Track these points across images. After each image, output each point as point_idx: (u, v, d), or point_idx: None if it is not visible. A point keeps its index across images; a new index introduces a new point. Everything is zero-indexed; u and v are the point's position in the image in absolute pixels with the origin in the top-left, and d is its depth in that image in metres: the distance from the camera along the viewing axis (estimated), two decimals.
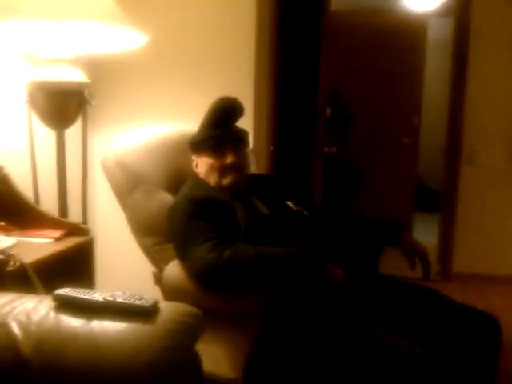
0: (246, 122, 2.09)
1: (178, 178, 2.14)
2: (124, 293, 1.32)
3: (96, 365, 1.18)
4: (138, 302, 1.28)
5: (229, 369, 1.75)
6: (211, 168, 2.01)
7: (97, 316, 1.27)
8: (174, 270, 1.84)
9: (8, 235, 1.93)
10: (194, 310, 1.35)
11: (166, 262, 1.89)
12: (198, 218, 1.81)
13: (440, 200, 4.68)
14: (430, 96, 5.69)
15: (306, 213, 2.05)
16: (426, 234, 4.80)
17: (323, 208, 2.34)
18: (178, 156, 2.20)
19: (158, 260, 2.01)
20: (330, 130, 3.95)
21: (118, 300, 1.28)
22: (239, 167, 2.03)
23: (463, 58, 4.10)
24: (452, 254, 4.34)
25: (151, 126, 2.29)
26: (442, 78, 5.19)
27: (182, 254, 1.81)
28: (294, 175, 3.61)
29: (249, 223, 1.84)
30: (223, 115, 2.01)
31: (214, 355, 1.74)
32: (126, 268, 2.29)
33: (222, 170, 2.00)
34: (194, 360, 1.35)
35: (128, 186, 2.06)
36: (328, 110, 3.93)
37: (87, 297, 1.30)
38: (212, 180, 2.01)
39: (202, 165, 2.05)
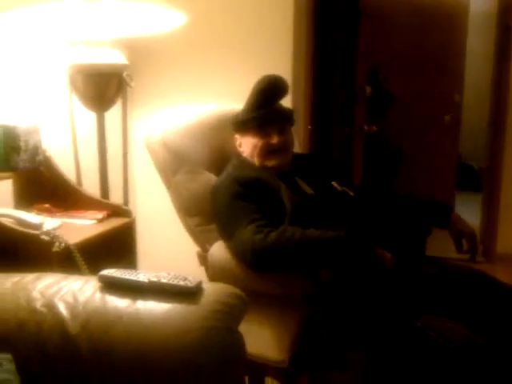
0: (283, 101, 2.06)
1: (221, 158, 2.12)
2: (168, 274, 1.33)
3: (142, 344, 1.19)
4: (182, 283, 1.29)
5: (275, 350, 1.74)
6: (256, 148, 1.98)
7: (142, 297, 1.28)
8: (219, 250, 1.83)
9: (52, 217, 1.97)
10: (237, 291, 1.35)
11: (211, 243, 1.88)
12: (242, 198, 1.80)
13: (483, 179, 4.56)
14: (472, 73, 5.53)
15: (351, 193, 2.02)
16: (467, 214, 4.64)
17: (368, 188, 2.28)
18: (221, 135, 2.17)
19: (202, 240, 2.00)
20: (369, 108, 3.88)
21: (163, 281, 1.29)
22: (285, 147, 2.00)
23: (507, 32, 3.97)
24: (496, 235, 4.24)
25: (192, 106, 2.27)
26: (486, 54, 5.05)
27: (227, 235, 1.80)
28: (332, 155, 3.58)
29: (294, 204, 1.82)
30: (268, 94, 1.97)
31: (260, 336, 1.75)
32: (167, 249, 2.30)
33: (268, 150, 1.97)
34: (238, 340, 1.35)
35: (172, 166, 2.04)
36: (367, 89, 3.85)
37: (132, 278, 1.32)
38: (257, 160, 1.98)
39: (246, 144, 2.02)
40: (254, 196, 1.80)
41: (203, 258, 1.95)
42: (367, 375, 1.69)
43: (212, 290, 1.32)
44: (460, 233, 1.95)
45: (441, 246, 2.13)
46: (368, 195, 2.12)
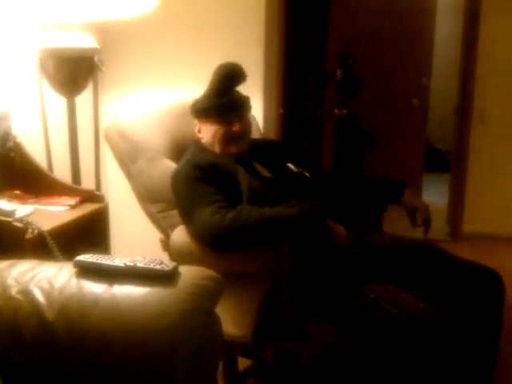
0: (255, 85, 2.08)
1: (181, 145, 2.15)
2: (144, 258, 1.33)
3: (119, 329, 1.20)
4: (158, 267, 1.30)
5: (238, 327, 1.79)
6: (217, 135, 2.01)
7: (118, 281, 1.29)
8: (180, 235, 1.87)
9: (24, 204, 1.95)
10: (213, 273, 1.37)
11: (173, 228, 1.92)
12: (201, 182, 1.84)
13: (450, 160, 4.64)
14: (440, 57, 5.59)
15: (307, 174, 2.07)
16: (435, 194, 4.81)
17: (324, 170, 2.37)
18: (181, 123, 2.20)
19: (164, 227, 2.03)
20: (339, 92, 3.90)
21: (139, 265, 1.30)
22: (244, 134, 2.05)
23: (475, 18, 4.04)
24: (462, 215, 4.34)
25: (154, 94, 2.30)
26: (453, 39, 5.12)
27: (187, 219, 1.84)
28: (303, 139, 3.60)
29: (251, 186, 1.87)
30: (228, 82, 2.00)
31: (223, 314, 1.77)
32: (139, 234, 2.29)
33: (229, 138, 2.01)
34: (215, 322, 1.37)
35: (130, 155, 2.07)
36: (338, 72, 3.87)
37: (108, 262, 1.32)
38: (217, 147, 2.02)
39: (206, 131, 2.04)
40: (212, 180, 1.85)
41: (166, 244, 1.98)
42: (329, 347, 1.75)
43: (188, 273, 1.34)
44: (414, 207, 2.02)
45: (397, 224, 2.18)
46: (325, 176, 2.19)
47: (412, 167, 5.15)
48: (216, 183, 1.84)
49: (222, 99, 2.00)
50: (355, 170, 4.51)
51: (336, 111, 3.55)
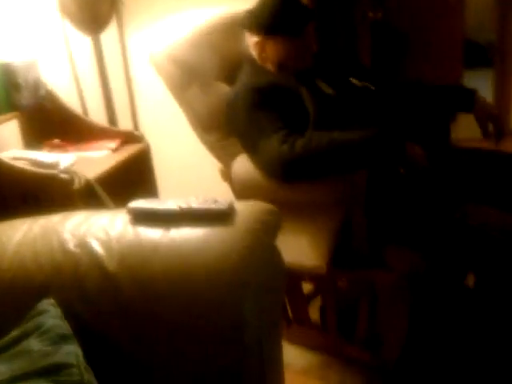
0: None
1: (232, 66, 1.99)
2: (197, 198, 1.29)
3: (182, 273, 1.17)
4: (213, 206, 1.25)
5: (313, 257, 1.73)
6: (292, 51, 1.83)
7: (174, 225, 1.24)
8: (243, 164, 1.77)
9: (65, 152, 1.92)
10: (270, 206, 1.31)
11: (233, 157, 1.82)
12: (262, 107, 1.71)
13: (492, 54, 4.40)
14: None
15: (372, 88, 1.93)
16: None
17: (388, 80, 2.17)
18: (229, 40, 2.03)
19: (223, 156, 1.93)
20: None
21: (194, 206, 1.25)
22: (314, 46, 1.88)
23: None
24: (509, 110, 4.14)
25: (192, 12, 2.11)
26: None
27: (251, 148, 1.73)
28: (339, 47, 3.42)
29: (317, 107, 1.74)
30: None
31: (296, 245, 1.73)
32: (185, 171, 2.24)
33: (305, 52, 1.85)
34: (277, 256, 1.34)
35: (183, 81, 1.92)
36: None
37: (162, 207, 1.28)
38: (293, 64, 1.85)
39: (274, 48, 1.85)
40: (274, 103, 1.71)
41: (226, 175, 1.90)
42: (409, 275, 1.68)
43: (245, 209, 1.28)
44: (486, 115, 1.88)
45: (464, 129, 2.07)
46: (389, 87, 2.02)
47: (451, 64, 4.92)
48: (278, 106, 1.70)
49: (291, 13, 1.80)
50: (395, 73, 4.33)
51: (370, 14, 3.33)
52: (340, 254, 1.73)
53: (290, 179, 1.63)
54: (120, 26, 2.20)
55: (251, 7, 1.89)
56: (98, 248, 1.26)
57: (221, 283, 1.15)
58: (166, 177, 2.43)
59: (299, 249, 1.72)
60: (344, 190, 1.62)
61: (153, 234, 1.25)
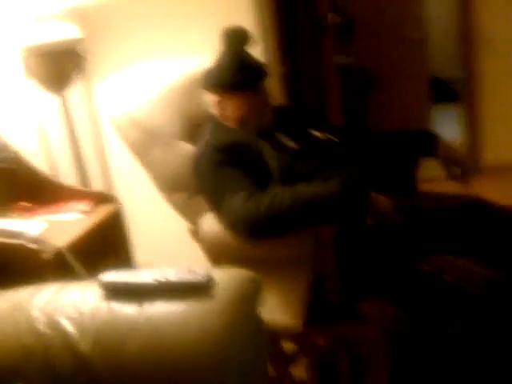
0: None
1: (194, 124, 1.98)
2: (173, 269, 1.23)
3: (160, 356, 1.10)
4: (191, 278, 1.19)
5: (288, 316, 1.68)
6: (248, 108, 1.84)
7: (150, 300, 1.19)
8: (210, 222, 1.74)
9: (34, 216, 1.85)
10: (248, 273, 1.27)
11: (200, 216, 1.79)
12: (226, 165, 1.70)
13: (458, 90, 4.49)
14: None
15: (336, 140, 1.92)
16: (447, 127, 4.67)
17: (347, 129, 2.19)
18: (190, 99, 2.02)
19: (191, 215, 1.89)
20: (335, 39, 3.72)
21: (171, 279, 1.20)
22: (269, 102, 1.89)
23: None
24: (479, 145, 4.21)
25: (156, 72, 2.10)
26: None
27: (217, 206, 1.70)
28: (308, 94, 3.43)
29: (280, 162, 1.73)
30: (241, 48, 1.83)
31: (270, 304, 1.66)
32: (160, 229, 2.18)
33: (263, 107, 1.85)
34: (259, 325, 1.29)
35: (145, 145, 1.91)
36: (329, 15, 3.67)
37: (137, 280, 1.22)
38: (253, 120, 1.85)
39: (232, 105, 1.85)
40: (237, 161, 1.70)
41: (195, 233, 1.86)
42: (389, 328, 1.65)
43: (224, 278, 1.23)
44: (449, 159, 1.91)
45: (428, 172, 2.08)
46: (352, 138, 2.02)
47: (419, 103, 4.99)
48: (241, 164, 1.69)
49: (247, 69, 1.83)
50: (361, 115, 4.37)
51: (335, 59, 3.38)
52: (318, 309, 1.69)
53: (256, 237, 1.59)
54: (87, 84, 2.16)
55: (208, 67, 1.90)
56: (69, 328, 1.19)
57: (201, 365, 1.09)
58: (141, 237, 2.36)
59: (273, 307, 1.68)
60: (310, 245, 1.59)
61: (128, 311, 1.18)
